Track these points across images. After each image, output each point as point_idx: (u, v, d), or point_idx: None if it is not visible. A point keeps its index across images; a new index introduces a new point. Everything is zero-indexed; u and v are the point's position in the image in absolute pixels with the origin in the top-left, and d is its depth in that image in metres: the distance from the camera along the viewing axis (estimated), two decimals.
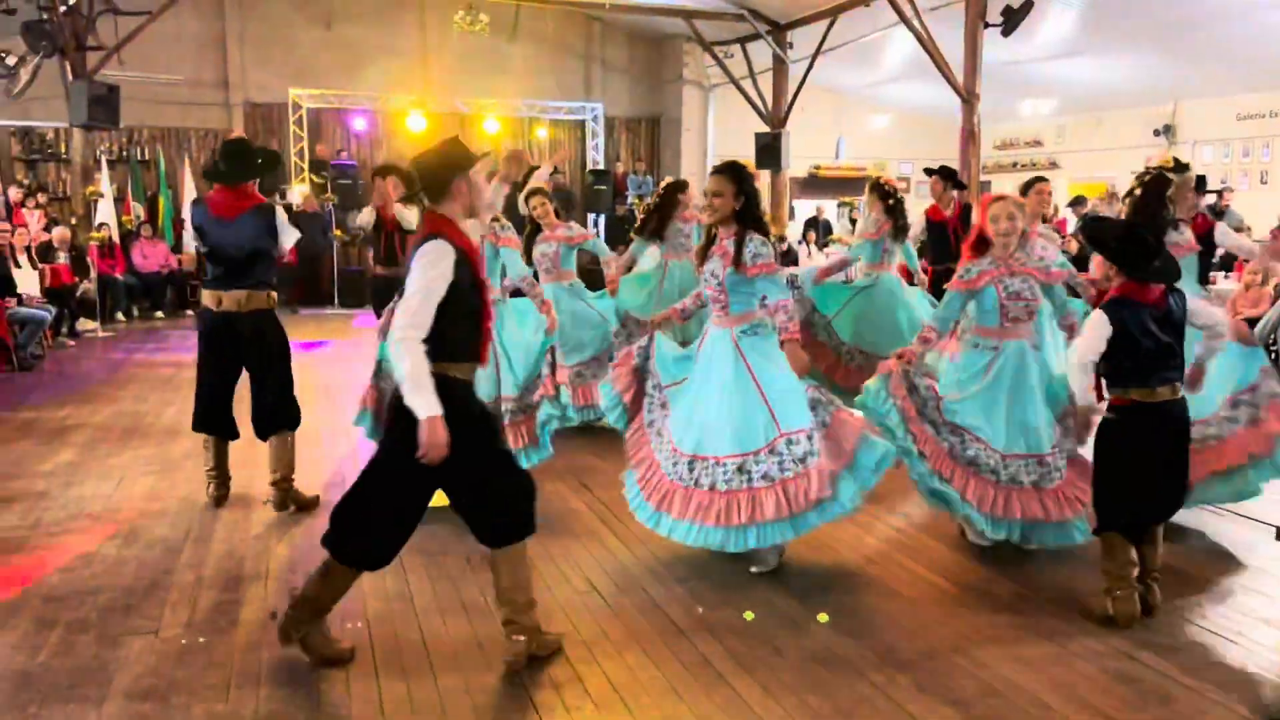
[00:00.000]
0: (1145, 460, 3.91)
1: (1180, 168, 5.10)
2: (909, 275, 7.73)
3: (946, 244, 8.00)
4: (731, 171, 4.32)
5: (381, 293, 7.52)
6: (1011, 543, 4.53)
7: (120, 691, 3.32)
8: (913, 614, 4.03)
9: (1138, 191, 4.98)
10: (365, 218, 7.87)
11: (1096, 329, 3.87)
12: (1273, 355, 8.64)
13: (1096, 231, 4.09)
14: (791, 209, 18.06)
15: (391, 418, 3.39)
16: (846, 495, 4.23)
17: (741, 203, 4.27)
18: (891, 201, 7.16)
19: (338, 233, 15.06)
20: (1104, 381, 4.09)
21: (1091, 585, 4.14)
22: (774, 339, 4.37)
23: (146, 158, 15.55)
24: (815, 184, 18.79)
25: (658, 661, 3.58)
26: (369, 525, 3.41)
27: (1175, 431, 3.97)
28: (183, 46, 15.48)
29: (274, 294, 5.23)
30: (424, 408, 3.14)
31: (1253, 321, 9.24)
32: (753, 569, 4.41)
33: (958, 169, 12.44)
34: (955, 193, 8.18)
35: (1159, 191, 4.93)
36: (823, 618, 3.94)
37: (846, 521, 5.11)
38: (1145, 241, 3.88)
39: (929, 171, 8.33)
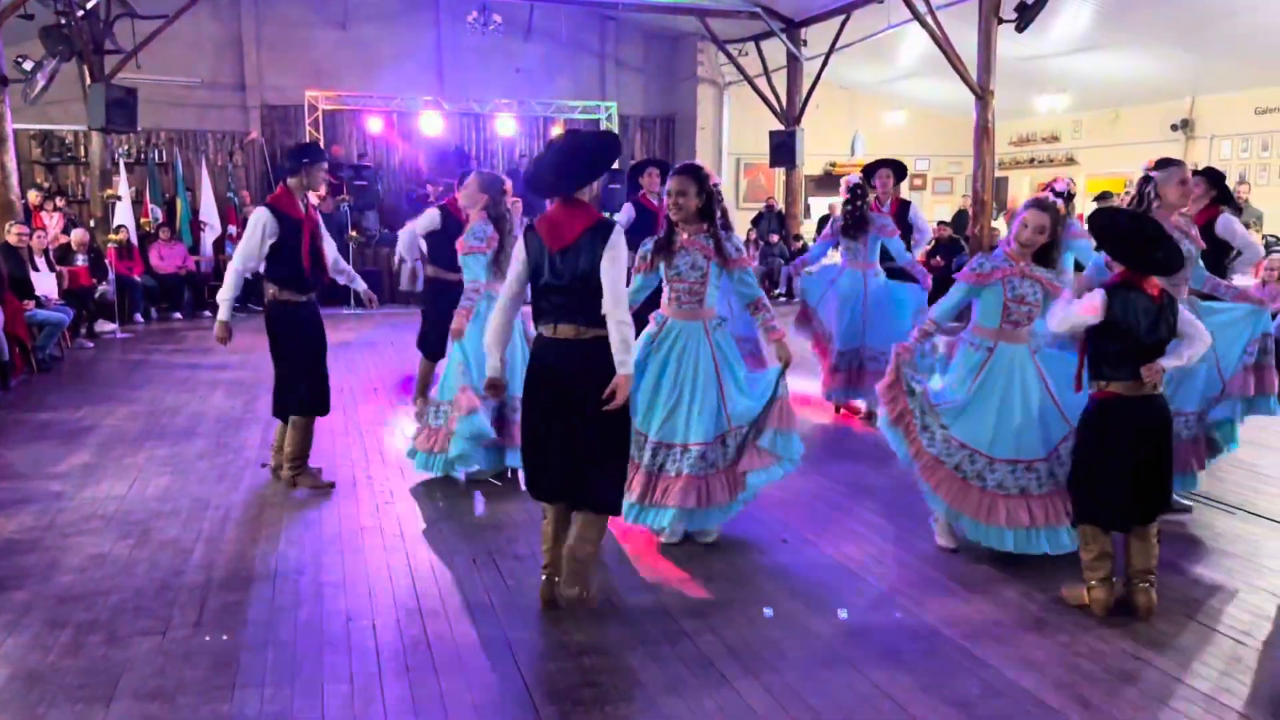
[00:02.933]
0: (1125, 454, 3.92)
1: (1165, 164, 5.08)
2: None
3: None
4: (692, 171, 4.55)
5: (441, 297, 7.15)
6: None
7: (128, 691, 3.36)
8: (917, 614, 4.03)
9: (1131, 193, 5.11)
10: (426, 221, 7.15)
11: (1090, 308, 3.90)
12: None
13: (1102, 222, 4.05)
14: (807, 206, 18.03)
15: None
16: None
17: (704, 200, 4.51)
18: (852, 204, 7.35)
19: (353, 233, 15.13)
20: (1085, 372, 4.11)
21: None
22: (729, 335, 4.79)
23: (164, 160, 15.69)
24: (831, 181, 18.75)
25: (660, 661, 3.59)
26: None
27: (1156, 427, 3.97)
28: (200, 49, 15.62)
29: (275, 288, 5.51)
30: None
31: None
32: (698, 539, 4.77)
33: (973, 164, 12.45)
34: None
35: (1137, 193, 5.04)
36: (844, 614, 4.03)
37: (853, 521, 5.15)
38: (1145, 233, 3.90)
39: (878, 165, 8.00)
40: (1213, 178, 5.54)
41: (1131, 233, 3.92)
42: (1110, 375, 3.94)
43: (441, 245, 7.07)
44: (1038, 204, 4.47)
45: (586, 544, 3.93)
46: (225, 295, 5.44)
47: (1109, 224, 4.02)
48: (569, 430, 3.80)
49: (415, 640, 3.76)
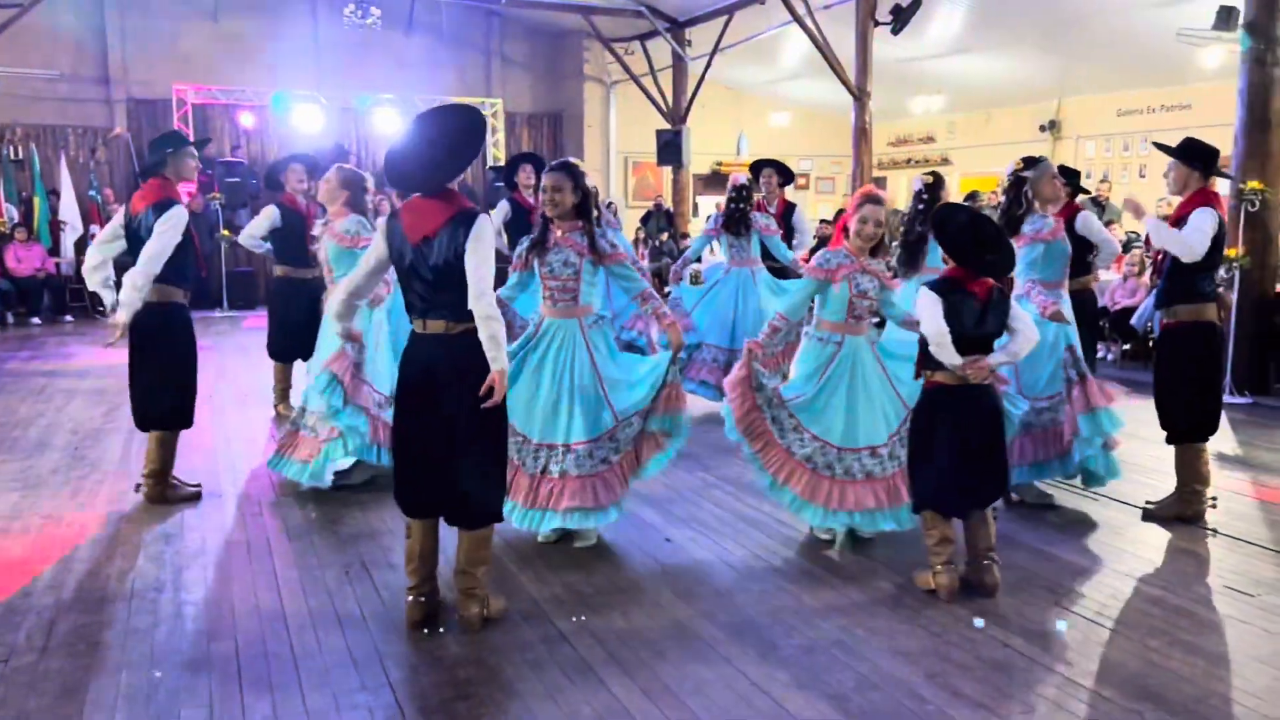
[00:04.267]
0: (956, 442, 4.05)
1: (1032, 163, 5.29)
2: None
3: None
4: (566, 169, 4.53)
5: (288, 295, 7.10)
6: (855, 532, 4.71)
7: None
8: (795, 609, 4.05)
9: (1002, 197, 5.32)
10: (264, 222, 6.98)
11: (932, 306, 4.00)
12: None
13: (941, 218, 4.18)
14: (695, 205, 18.15)
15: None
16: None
17: (579, 197, 4.48)
18: (735, 203, 7.32)
19: (225, 232, 14.58)
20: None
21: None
22: (609, 332, 4.75)
23: (20, 157, 14.80)
24: (718, 180, 18.90)
25: (537, 668, 3.52)
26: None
27: (986, 417, 4.11)
28: (59, 40, 14.84)
29: (168, 288, 5.14)
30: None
31: (1130, 311, 9.59)
32: (577, 544, 4.71)
33: (852, 164, 12.70)
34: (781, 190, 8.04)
35: (1014, 194, 5.27)
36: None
37: (732, 516, 5.18)
38: (980, 235, 4.03)
39: (761, 165, 8.05)
40: (1066, 175, 5.79)
41: (969, 234, 4.04)
42: (936, 366, 4.07)
43: (288, 243, 6.82)
44: (873, 199, 4.59)
45: (478, 562, 3.77)
46: (138, 299, 4.95)
47: (949, 224, 4.11)
48: (443, 434, 3.61)
49: (280, 657, 3.59)
